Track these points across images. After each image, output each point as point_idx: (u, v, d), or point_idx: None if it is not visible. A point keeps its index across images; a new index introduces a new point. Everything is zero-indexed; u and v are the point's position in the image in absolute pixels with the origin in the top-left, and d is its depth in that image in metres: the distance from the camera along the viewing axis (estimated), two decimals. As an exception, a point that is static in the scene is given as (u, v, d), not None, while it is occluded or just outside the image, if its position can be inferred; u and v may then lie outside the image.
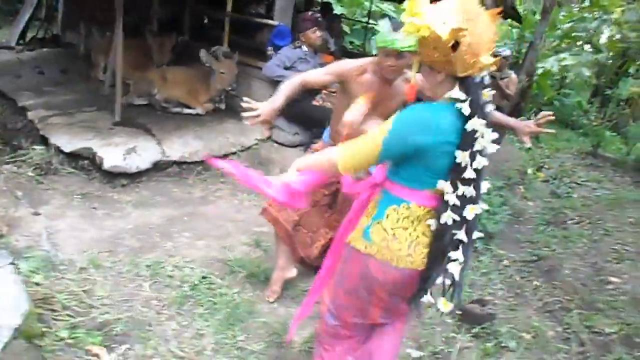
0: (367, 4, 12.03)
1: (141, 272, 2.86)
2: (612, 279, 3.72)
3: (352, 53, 7.95)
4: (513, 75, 6.87)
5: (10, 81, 5.24)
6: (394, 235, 1.70)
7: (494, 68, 1.60)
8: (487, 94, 1.63)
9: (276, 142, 4.77)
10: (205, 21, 6.90)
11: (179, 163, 4.11)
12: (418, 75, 1.78)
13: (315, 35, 4.50)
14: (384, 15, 13.26)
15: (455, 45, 1.52)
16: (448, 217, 1.61)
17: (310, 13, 4.79)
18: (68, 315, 2.29)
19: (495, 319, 3.09)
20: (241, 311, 2.65)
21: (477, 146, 1.59)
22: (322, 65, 4.66)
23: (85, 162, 3.90)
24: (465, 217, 1.62)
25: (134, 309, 2.52)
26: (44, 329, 2.09)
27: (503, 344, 2.87)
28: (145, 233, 3.27)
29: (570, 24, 9.82)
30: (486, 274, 3.80)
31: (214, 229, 3.48)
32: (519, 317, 3.21)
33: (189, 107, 4.88)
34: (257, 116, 2.30)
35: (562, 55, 3.09)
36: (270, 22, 4.99)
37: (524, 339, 2.96)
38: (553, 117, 2.39)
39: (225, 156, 4.35)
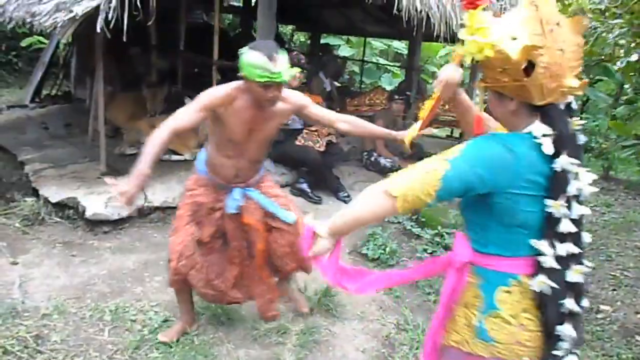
0: (376, 44, 12.23)
1: (105, 317, 2.89)
2: (603, 307, 3.54)
3: (355, 92, 8.05)
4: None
5: (14, 137, 5.50)
6: (521, 325, 1.35)
7: (580, 92, 1.29)
8: (576, 123, 1.31)
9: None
10: (196, 70, 7.11)
11: (162, 208, 4.18)
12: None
13: None
14: (396, 54, 13.47)
15: (529, 68, 1.24)
16: (543, 283, 1.31)
17: (294, 53, 4.89)
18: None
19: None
20: (195, 354, 2.63)
21: (572, 190, 1.28)
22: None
23: (71, 211, 4.02)
24: (569, 281, 1.31)
25: (85, 354, 2.54)
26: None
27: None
28: (117, 278, 3.32)
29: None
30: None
31: (189, 271, 3.50)
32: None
33: (177, 154, 5.00)
34: (130, 195, 2.01)
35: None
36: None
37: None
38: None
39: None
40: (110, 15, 3.49)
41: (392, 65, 12.67)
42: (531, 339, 1.35)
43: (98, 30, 3.49)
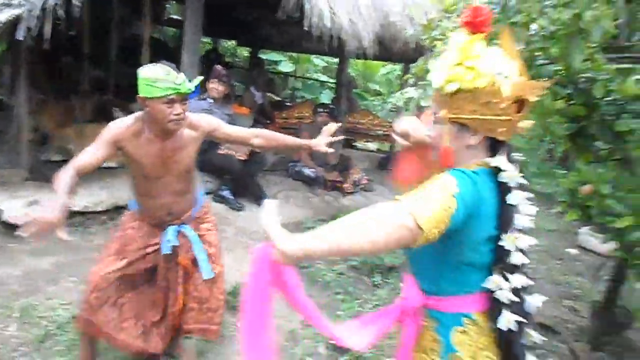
0: (317, 61, 12.61)
1: (13, 314, 2.98)
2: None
3: (282, 105, 8.31)
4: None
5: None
6: None
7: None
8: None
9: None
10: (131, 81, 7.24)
11: (83, 213, 4.28)
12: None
13: (209, 86, 4.79)
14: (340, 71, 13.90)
15: (522, 103, 1.24)
16: (508, 321, 1.27)
17: (215, 66, 5.10)
18: None
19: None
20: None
21: (518, 223, 1.28)
22: (229, 116, 4.96)
23: (-9, 215, 4.07)
24: (529, 313, 1.31)
25: (-11, 346, 2.64)
26: None
27: None
28: (31, 279, 3.40)
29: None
30: (378, 305, 3.94)
31: (104, 272, 3.62)
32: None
33: (104, 161, 5.10)
34: (44, 226, 1.71)
35: (405, 90, 3.32)
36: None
37: None
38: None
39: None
40: (33, 24, 3.61)
41: (331, 82, 13.07)
42: None
43: (20, 38, 3.61)
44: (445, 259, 1.30)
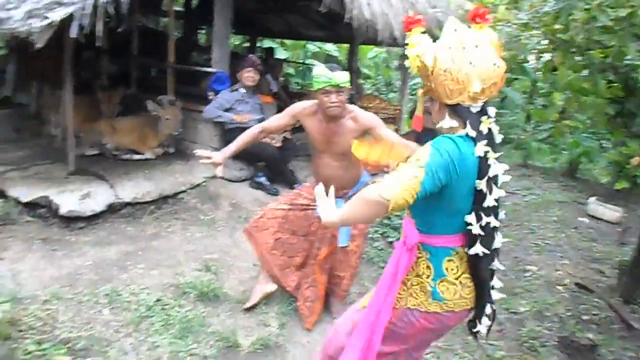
0: (309, 46, 12.72)
1: (100, 300, 3.13)
2: (529, 267, 4.18)
3: (295, 92, 8.47)
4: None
5: (-36, 143, 5.47)
6: (461, 284, 1.76)
7: (485, 98, 1.64)
8: (487, 121, 1.65)
9: (223, 178, 5.14)
10: (152, 74, 7.32)
11: (132, 204, 4.41)
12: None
13: (244, 74, 4.93)
14: (328, 56, 14.04)
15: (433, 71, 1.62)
16: (478, 249, 1.69)
17: (250, 55, 5.24)
18: (33, 334, 2.57)
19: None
20: (193, 324, 2.96)
21: (492, 173, 1.63)
22: (260, 105, 5.13)
23: (43, 210, 4.16)
24: (495, 247, 1.75)
25: (94, 329, 2.80)
26: (12, 346, 2.36)
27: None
28: (102, 268, 3.54)
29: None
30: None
31: (167, 259, 3.78)
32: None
33: (139, 153, 5.22)
34: (208, 159, 2.70)
35: None
36: (208, 69, 5.42)
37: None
38: None
39: (175, 195, 4.70)
40: (86, 22, 3.70)
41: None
42: (470, 292, 1.78)
43: (72, 36, 3.69)
44: (439, 207, 1.67)
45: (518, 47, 3.32)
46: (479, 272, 1.73)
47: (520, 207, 5.99)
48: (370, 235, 4.63)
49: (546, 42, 3.17)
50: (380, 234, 4.68)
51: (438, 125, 1.71)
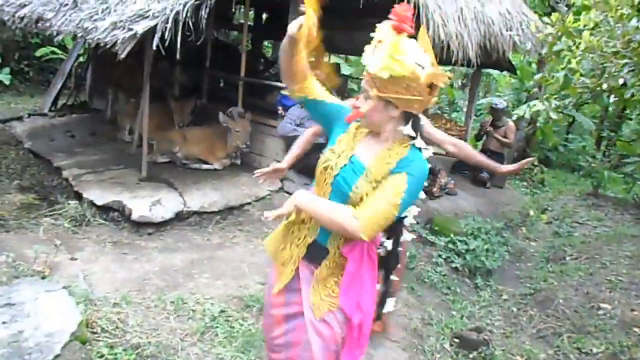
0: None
1: (167, 307, 3.20)
2: (603, 305, 3.96)
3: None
4: (510, 124, 7.22)
5: (45, 144, 5.79)
6: None
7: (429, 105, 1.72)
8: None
9: (287, 193, 5.18)
10: (221, 85, 7.51)
11: (199, 213, 4.51)
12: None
13: None
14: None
15: (433, 87, 1.63)
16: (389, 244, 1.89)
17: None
18: (106, 337, 2.64)
19: (490, 344, 3.35)
20: (255, 339, 2.97)
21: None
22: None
23: (115, 213, 4.32)
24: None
25: (162, 336, 2.86)
26: (87, 347, 2.44)
27: (497, 366, 3.12)
28: (169, 274, 3.63)
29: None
30: (485, 307, 4.08)
31: (231, 270, 3.82)
32: (514, 343, 3.47)
33: (207, 163, 5.34)
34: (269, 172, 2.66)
35: (532, 103, 3.54)
36: (279, 84, 5.50)
37: (517, 361, 3.21)
38: (533, 160, 2.80)
39: (241, 206, 4.77)
40: (165, 34, 3.84)
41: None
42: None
43: (154, 47, 3.84)
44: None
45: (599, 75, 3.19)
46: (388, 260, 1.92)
47: (591, 239, 5.71)
48: (433, 259, 4.55)
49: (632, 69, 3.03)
50: (444, 258, 4.57)
51: (392, 131, 1.74)
